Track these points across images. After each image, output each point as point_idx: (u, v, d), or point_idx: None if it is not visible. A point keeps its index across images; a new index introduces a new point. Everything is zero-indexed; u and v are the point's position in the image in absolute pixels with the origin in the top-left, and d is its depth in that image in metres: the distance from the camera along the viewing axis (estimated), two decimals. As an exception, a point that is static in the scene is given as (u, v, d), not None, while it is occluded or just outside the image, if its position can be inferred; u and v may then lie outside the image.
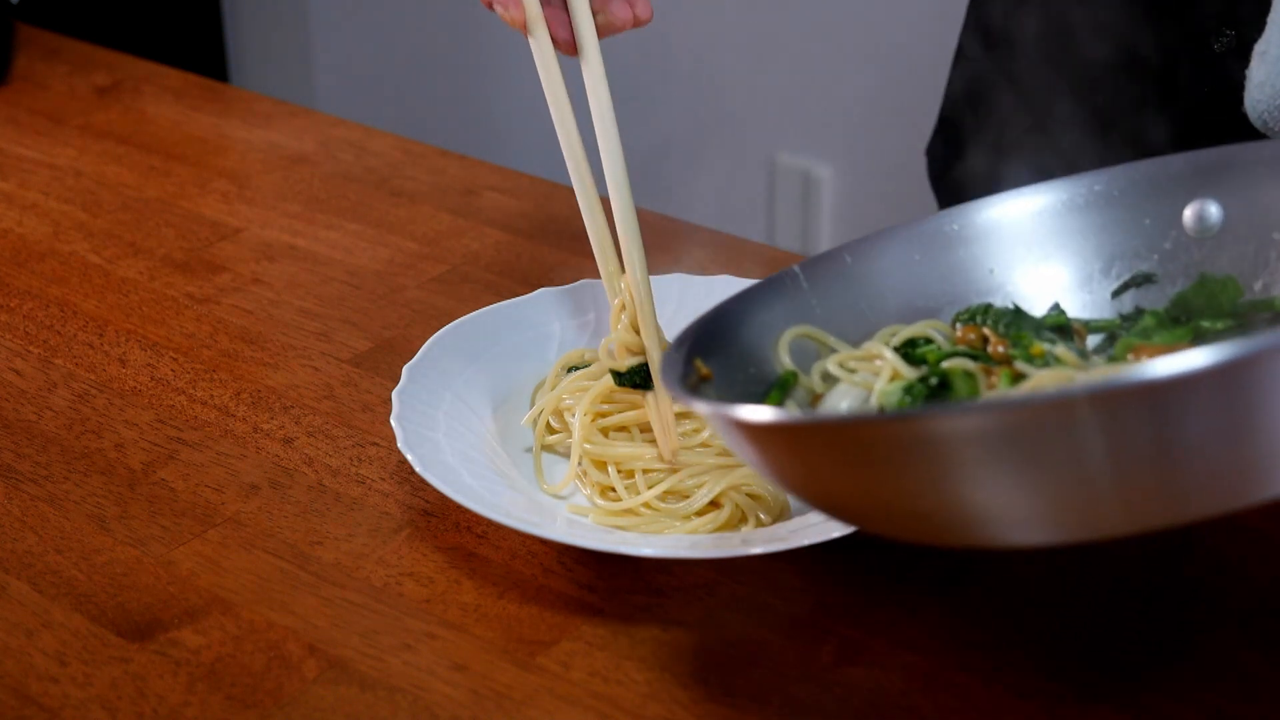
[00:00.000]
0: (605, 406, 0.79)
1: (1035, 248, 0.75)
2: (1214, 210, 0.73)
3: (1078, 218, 0.75)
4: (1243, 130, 0.86)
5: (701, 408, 0.59)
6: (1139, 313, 0.74)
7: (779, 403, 0.69)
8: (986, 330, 0.71)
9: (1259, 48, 0.82)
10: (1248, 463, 0.53)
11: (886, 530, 0.61)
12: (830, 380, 0.70)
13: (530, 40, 0.80)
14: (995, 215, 0.75)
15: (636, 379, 0.79)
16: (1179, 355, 0.50)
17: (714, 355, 0.68)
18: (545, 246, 1.04)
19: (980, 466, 0.53)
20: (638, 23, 0.81)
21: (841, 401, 0.69)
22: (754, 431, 0.57)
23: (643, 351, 0.79)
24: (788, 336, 0.71)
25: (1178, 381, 0.50)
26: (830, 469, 0.57)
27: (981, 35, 1.12)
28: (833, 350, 0.71)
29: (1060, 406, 0.51)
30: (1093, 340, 0.73)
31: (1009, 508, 0.54)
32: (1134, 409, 0.51)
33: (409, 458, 0.74)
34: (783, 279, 0.73)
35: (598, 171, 0.81)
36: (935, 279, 0.75)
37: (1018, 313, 0.72)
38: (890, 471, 0.55)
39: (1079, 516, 0.54)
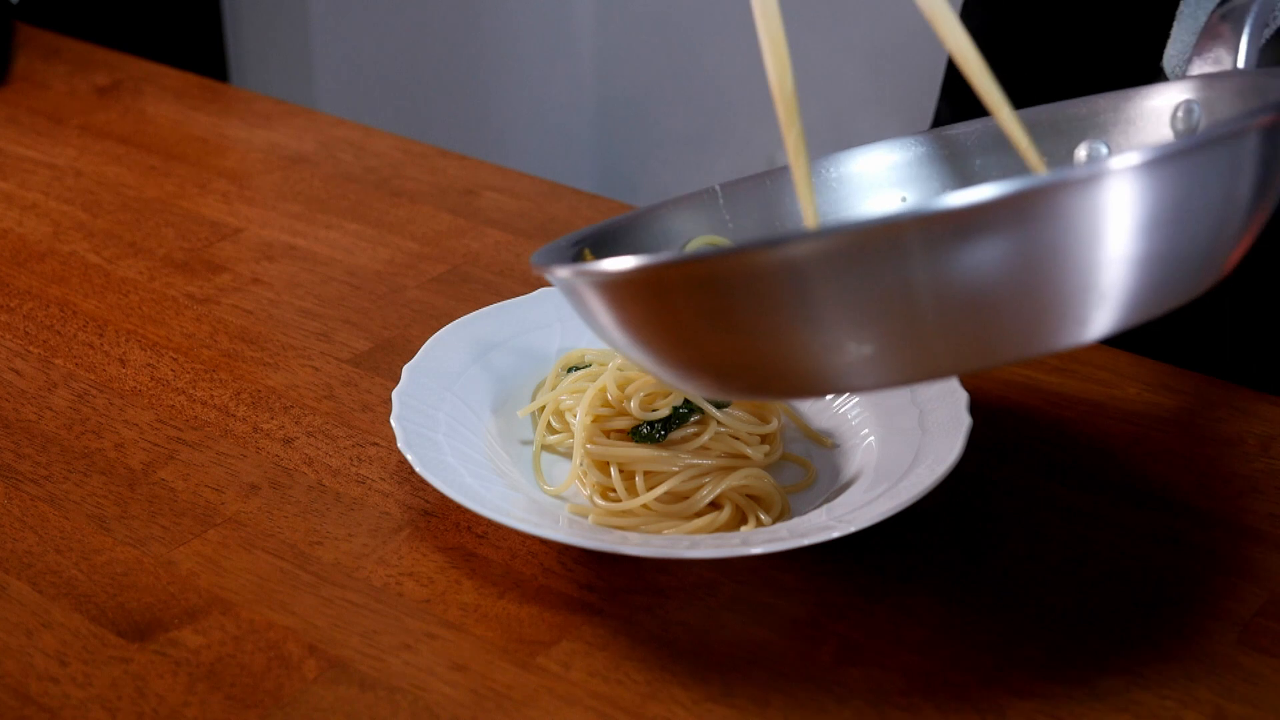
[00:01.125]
0: (604, 410, 0.79)
1: (941, 184, 0.79)
2: (1104, 150, 0.77)
3: (980, 157, 0.79)
4: None
5: (561, 271, 0.60)
6: None
7: None
8: None
9: (1180, 10, 0.85)
10: (1054, 299, 0.55)
11: (734, 388, 0.62)
12: None
13: None
14: (898, 155, 0.80)
15: (659, 433, 0.78)
16: (979, 187, 0.53)
17: (609, 252, 0.70)
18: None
19: (814, 298, 0.55)
20: None
21: None
22: (603, 288, 0.59)
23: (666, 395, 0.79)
24: (693, 244, 0.74)
25: (975, 210, 0.52)
26: (679, 321, 0.59)
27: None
28: None
29: (879, 232, 0.54)
30: None
31: (842, 345, 0.56)
32: (939, 237, 0.53)
33: (409, 458, 0.74)
34: (700, 195, 0.76)
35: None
36: (847, 208, 0.79)
37: None
38: (732, 312, 0.56)
39: (906, 353, 0.56)
